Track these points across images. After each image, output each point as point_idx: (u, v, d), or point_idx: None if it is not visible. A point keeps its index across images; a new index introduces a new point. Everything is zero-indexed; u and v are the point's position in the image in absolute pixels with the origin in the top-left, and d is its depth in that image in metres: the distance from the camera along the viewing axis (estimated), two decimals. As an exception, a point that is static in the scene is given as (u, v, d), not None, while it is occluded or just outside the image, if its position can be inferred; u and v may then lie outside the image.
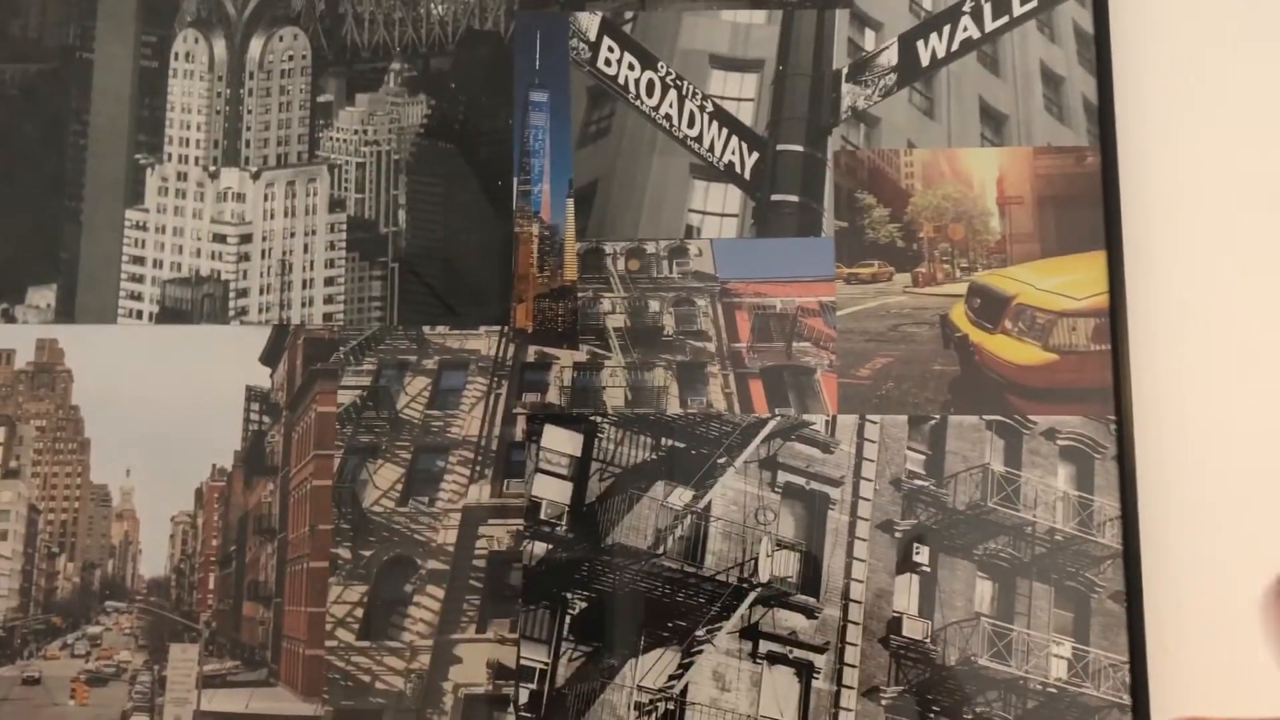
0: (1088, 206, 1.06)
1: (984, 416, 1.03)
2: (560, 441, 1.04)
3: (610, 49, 1.11)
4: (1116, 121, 1.06)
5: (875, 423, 1.03)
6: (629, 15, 1.12)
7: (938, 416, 1.03)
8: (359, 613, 1.01)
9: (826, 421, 1.03)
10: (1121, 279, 1.04)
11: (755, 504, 1.02)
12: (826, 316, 1.05)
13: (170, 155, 1.11)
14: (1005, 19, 1.10)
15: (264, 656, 1.02)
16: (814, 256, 1.07)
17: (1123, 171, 1.06)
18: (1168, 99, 1.07)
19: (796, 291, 1.06)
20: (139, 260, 1.09)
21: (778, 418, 1.03)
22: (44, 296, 1.08)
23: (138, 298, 1.08)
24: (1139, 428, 1.02)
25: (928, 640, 1.00)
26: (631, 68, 1.11)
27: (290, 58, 1.12)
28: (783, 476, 1.02)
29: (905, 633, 1.00)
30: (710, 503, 1.02)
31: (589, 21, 1.11)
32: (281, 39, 1.12)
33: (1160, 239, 1.05)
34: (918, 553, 1.01)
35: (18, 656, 1.02)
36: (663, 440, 1.03)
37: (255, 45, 1.12)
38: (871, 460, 1.02)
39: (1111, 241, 1.04)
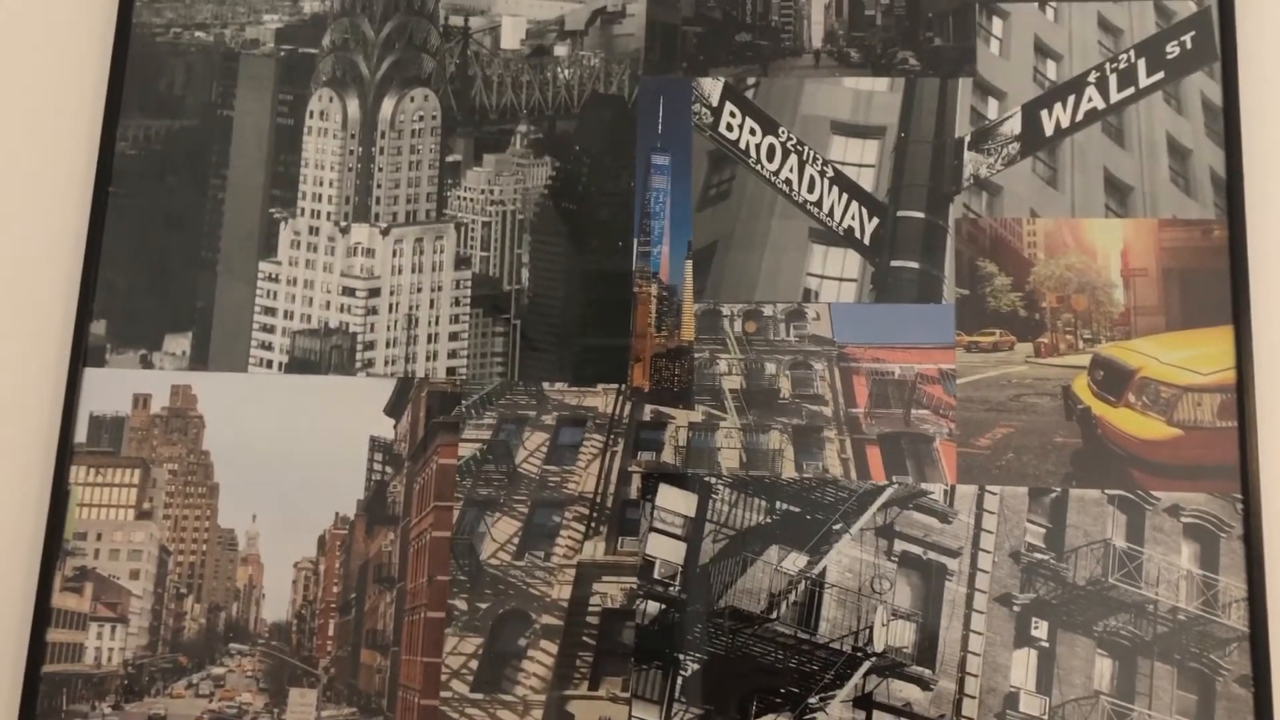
0: (1214, 280, 1.04)
1: (1106, 491, 1.02)
2: (675, 501, 1.05)
3: (732, 114, 1.13)
4: (1245, 195, 1.05)
5: (995, 494, 1.02)
6: (751, 81, 1.13)
7: (1059, 489, 1.02)
8: (474, 664, 1.03)
9: (945, 491, 1.03)
10: (1249, 355, 1.02)
11: (871, 572, 1.01)
12: (946, 384, 1.05)
13: (303, 210, 1.14)
14: (1131, 90, 1.09)
15: (380, 704, 1.04)
16: (934, 323, 1.07)
17: (1251, 246, 1.05)
18: (1300, 174, 1.06)
19: (915, 358, 1.06)
20: (270, 311, 1.12)
21: (895, 485, 1.03)
22: (180, 344, 1.12)
23: (268, 347, 1.12)
24: (1266, 507, 1.00)
25: (1045, 717, 0.99)
26: (753, 132, 1.12)
27: (421, 118, 1.16)
28: (899, 545, 1.02)
29: (1022, 708, 0.99)
30: (825, 569, 1.02)
31: (712, 87, 1.13)
32: (413, 99, 1.16)
33: (1291, 315, 1.04)
34: (1036, 627, 1.00)
35: (145, 694, 1.05)
36: (777, 504, 1.04)
37: (387, 105, 1.16)
38: (990, 532, 1.01)
39: (1239, 316, 1.03)
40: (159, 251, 1.14)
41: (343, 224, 1.14)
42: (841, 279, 1.09)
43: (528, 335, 1.10)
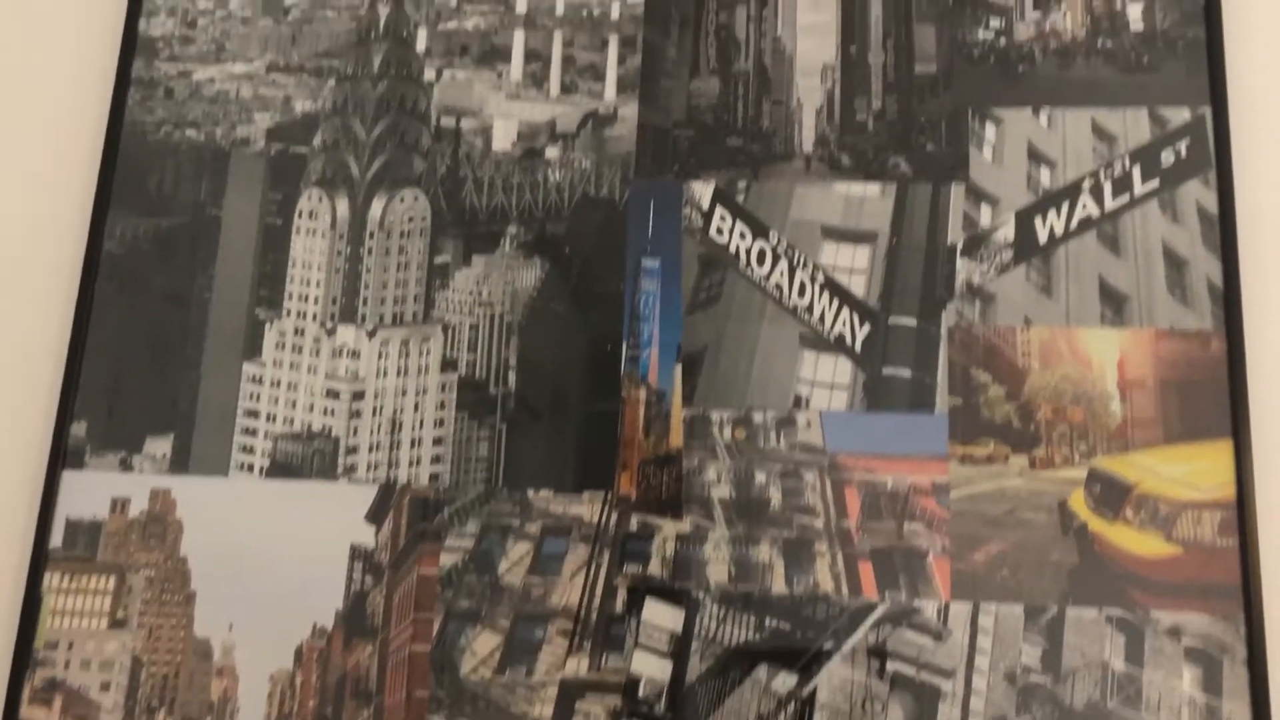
0: (1213, 393, 1.02)
1: (1104, 610, 0.99)
2: (661, 616, 1.02)
3: (723, 218, 1.12)
4: (1244, 306, 1.04)
5: (990, 612, 0.99)
6: (742, 185, 1.12)
7: (1055, 608, 0.99)
8: (452, 785, 1.00)
9: (939, 609, 1.00)
10: (1249, 470, 1.00)
11: (862, 693, 0.98)
12: (939, 497, 1.03)
13: (289, 310, 1.13)
14: (1126, 198, 1.08)
15: (354, 826, 1.01)
16: (927, 433, 1.05)
17: (1250, 358, 1.03)
18: (1298, 285, 1.04)
19: (908, 469, 1.04)
20: (253, 414, 1.11)
21: (887, 603, 1.00)
22: (160, 447, 1.10)
23: (250, 451, 1.10)
24: (1270, 629, 0.97)
25: None
26: (743, 236, 1.11)
27: (410, 218, 1.15)
28: (892, 665, 0.99)
29: (1019, 840, 0.95)
30: (815, 689, 0.98)
31: (702, 190, 1.13)
32: (403, 200, 1.15)
33: (1292, 430, 1.01)
34: (1033, 753, 0.96)
35: (112, 813, 1.02)
36: (766, 620, 1.01)
37: (377, 205, 1.15)
38: (985, 652, 0.98)
39: (1238, 430, 1.01)
40: (143, 351, 1.13)
41: (329, 325, 1.13)
42: (833, 386, 1.07)
43: (525, 402, 1.08)
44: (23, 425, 1.12)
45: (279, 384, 1.12)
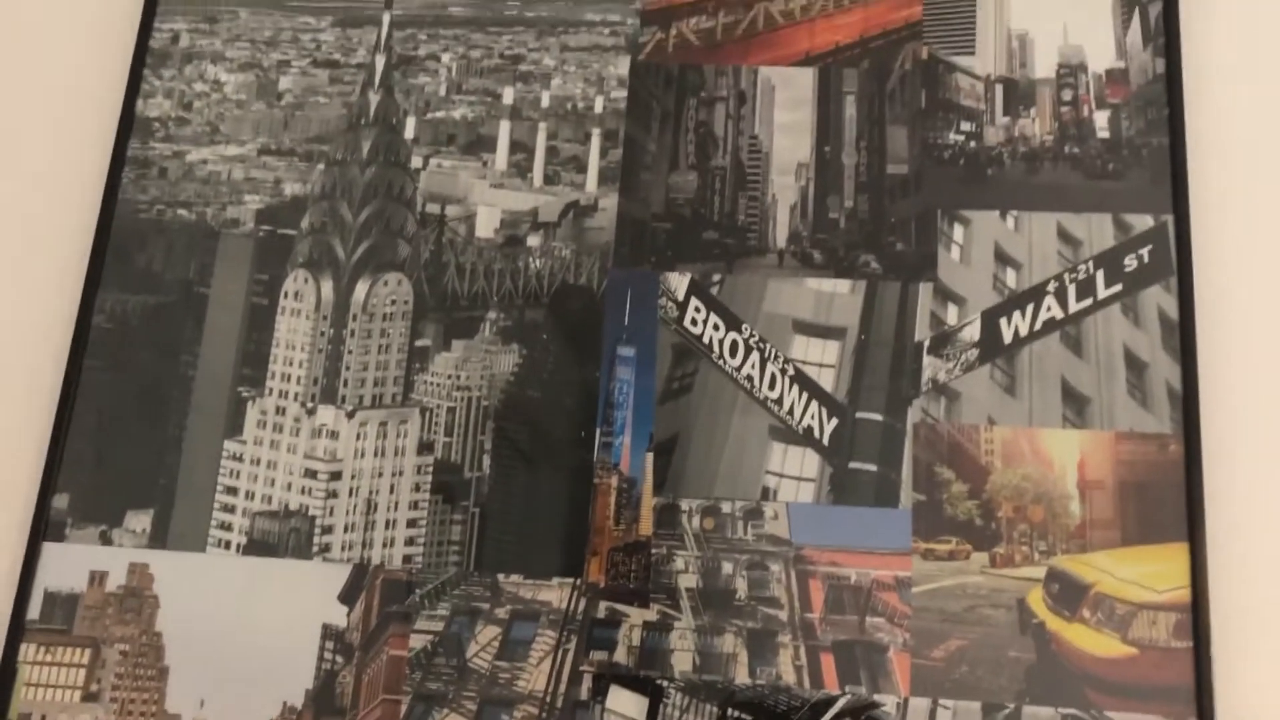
0: (1170, 496, 1.04)
1: (1060, 710, 1.00)
2: (625, 704, 1.03)
3: (697, 309, 1.15)
4: (1201, 411, 1.06)
5: (948, 708, 1.01)
6: (717, 278, 1.16)
7: (1012, 706, 1.01)
8: None
9: (898, 704, 1.01)
10: (1204, 574, 1.02)
11: (820, 787, 0.99)
12: (902, 592, 1.05)
13: (271, 389, 1.16)
14: (1089, 301, 1.11)
15: None
16: (891, 528, 1.07)
17: (1206, 462, 1.05)
18: (1253, 393, 1.07)
19: (872, 563, 1.06)
20: (232, 491, 1.13)
21: (848, 696, 1.02)
22: (140, 521, 1.12)
23: (228, 528, 1.12)
24: (1224, 731, 0.99)
25: None
26: (716, 328, 1.14)
27: (393, 302, 1.18)
28: (850, 759, 1.00)
29: None
30: (774, 782, 1.00)
31: (678, 281, 1.16)
32: (386, 284, 1.18)
33: (1245, 535, 1.03)
34: None
35: None
36: (729, 711, 1.02)
37: (361, 288, 1.18)
38: (942, 749, 1.00)
39: (1194, 534, 1.03)
40: (127, 426, 1.15)
41: (309, 405, 1.15)
42: (800, 479, 1.09)
43: (520, 446, 1.10)
44: (6, 496, 1.14)
45: (259, 462, 1.14)
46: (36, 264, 1.21)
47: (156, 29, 1.27)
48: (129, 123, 1.24)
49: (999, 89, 1.18)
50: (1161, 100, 1.15)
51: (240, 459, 1.14)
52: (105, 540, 1.12)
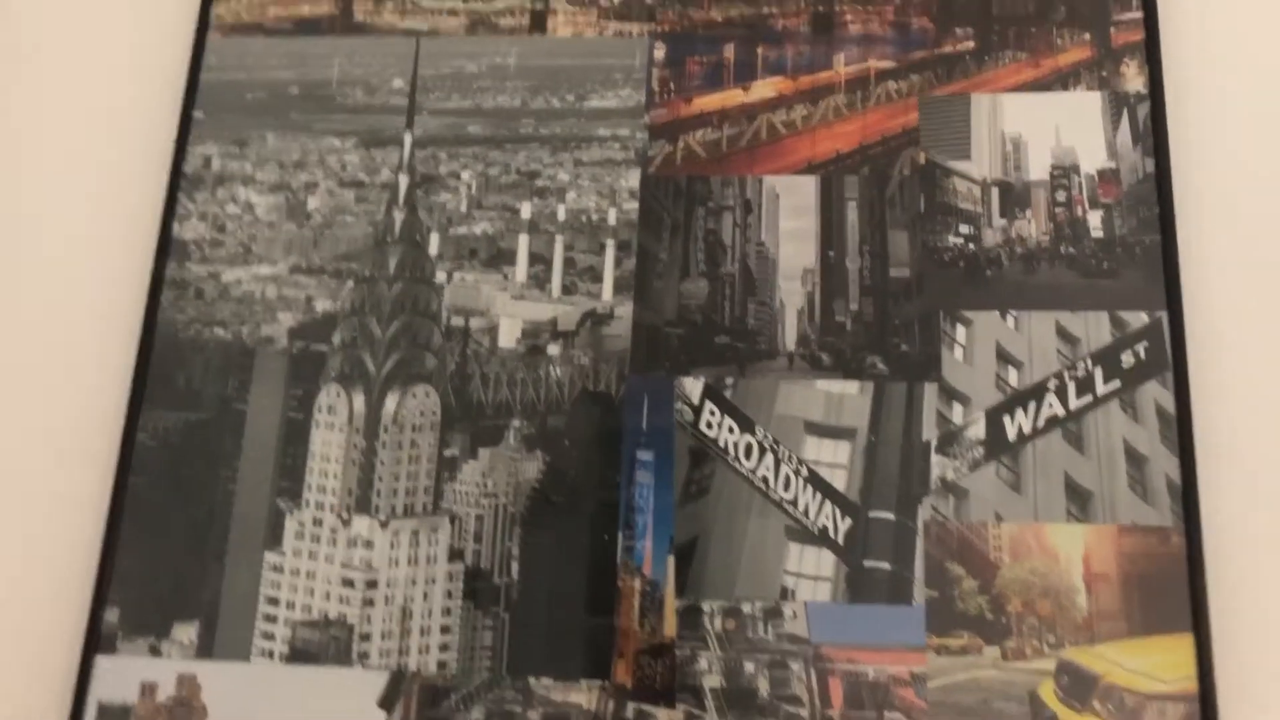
0: (1174, 587, 1.08)
1: (1074, 801, 1.04)
2: (656, 803, 1.08)
3: (712, 412, 1.20)
4: (1200, 504, 1.10)
5: (964, 803, 1.05)
6: (729, 381, 1.21)
7: (1027, 799, 1.05)
8: None
9: (916, 799, 1.06)
10: (1210, 664, 1.06)
11: None
12: (917, 688, 1.09)
13: (308, 502, 1.21)
14: (1089, 398, 1.16)
15: None
16: (905, 625, 1.11)
17: (1208, 554, 1.09)
18: (1251, 485, 1.11)
19: (888, 660, 1.10)
20: (274, 601, 1.18)
21: (868, 792, 1.06)
22: (187, 633, 1.18)
23: (271, 637, 1.17)
24: (1234, 818, 1.02)
25: None
26: (731, 431, 1.19)
27: (422, 413, 1.23)
28: None
29: None
30: None
31: (693, 386, 1.21)
32: (415, 396, 1.24)
33: (1249, 624, 1.07)
34: None
35: None
36: (755, 808, 1.07)
37: (391, 400, 1.24)
38: (961, 843, 1.04)
39: (1199, 624, 1.07)
40: (172, 540, 1.21)
41: (345, 516, 1.21)
42: (817, 578, 1.14)
43: (526, 592, 1.15)
44: (60, 609, 1.20)
45: (298, 573, 1.19)
46: (83, 384, 1.27)
47: (190, 154, 1.34)
48: (166, 245, 1.30)
49: (995, 191, 1.23)
50: (1152, 199, 1.20)
51: (280, 570, 1.19)
52: (155, 652, 1.17)
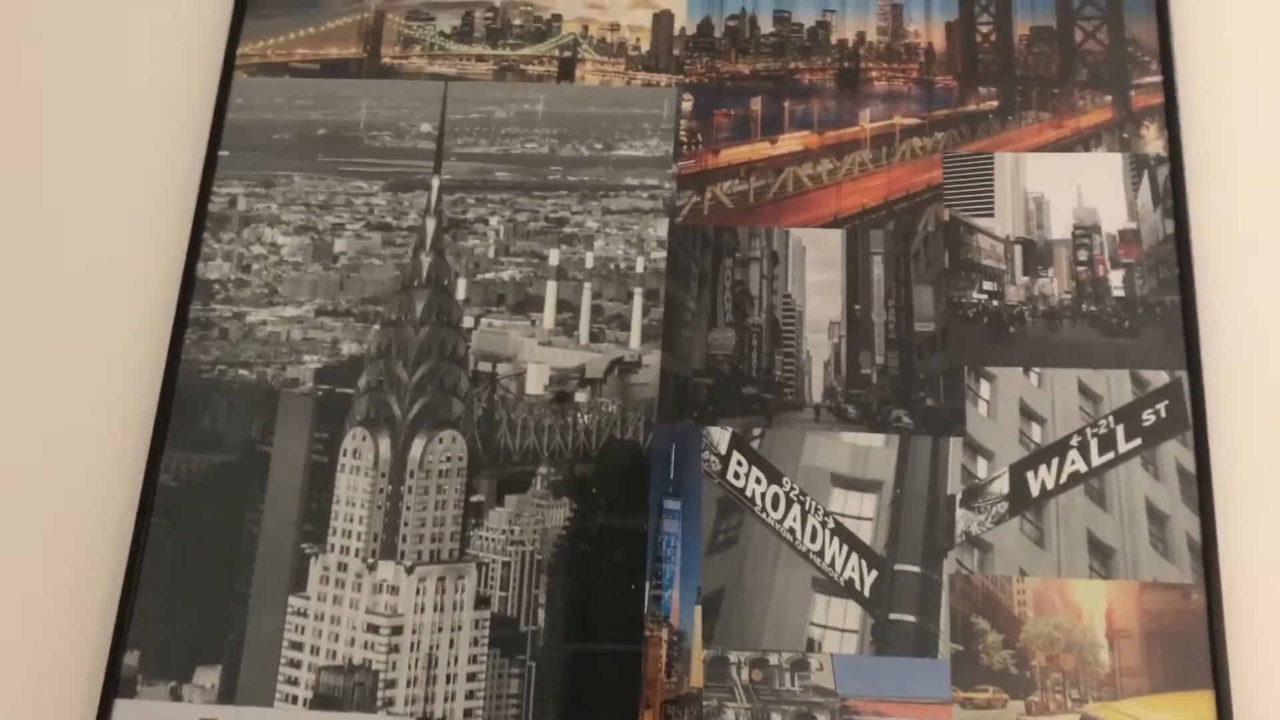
0: (1195, 644, 1.10)
1: None
2: None
3: (739, 463, 1.21)
4: (1220, 562, 1.12)
5: None
6: (757, 432, 1.22)
7: None
8: None
9: None
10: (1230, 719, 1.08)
11: None
12: (943, 742, 1.10)
13: (333, 546, 1.21)
14: (1111, 455, 1.18)
15: None
16: (930, 678, 1.12)
17: (1227, 612, 1.11)
18: (1270, 544, 1.13)
19: (914, 713, 1.11)
20: (298, 646, 1.18)
21: (896, 846, 1.07)
22: (209, 677, 1.17)
23: (294, 683, 1.16)
24: None
25: None
26: (758, 481, 1.20)
27: (448, 459, 1.23)
28: None
29: None
30: None
31: (720, 436, 1.22)
32: (441, 441, 1.24)
33: (1269, 681, 1.09)
34: None
35: None
36: None
37: (417, 445, 1.24)
38: None
39: (1219, 682, 1.09)
40: (194, 583, 1.20)
41: (370, 561, 1.21)
42: (844, 630, 1.15)
43: (554, 640, 1.15)
44: (79, 653, 1.19)
45: (322, 617, 1.19)
46: (105, 424, 1.26)
47: (215, 193, 1.34)
48: (190, 285, 1.30)
49: (1018, 249, 1.26)
50: (1172, 260, 1.22)
51: (304, 614, 1.19)
52: (175, 696, 1.16)
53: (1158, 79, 1.29)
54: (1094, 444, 1.18)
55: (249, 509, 1.23)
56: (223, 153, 1.35)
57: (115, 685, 1.16)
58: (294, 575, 1.20)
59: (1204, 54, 1.30)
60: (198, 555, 1.21)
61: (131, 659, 1.17)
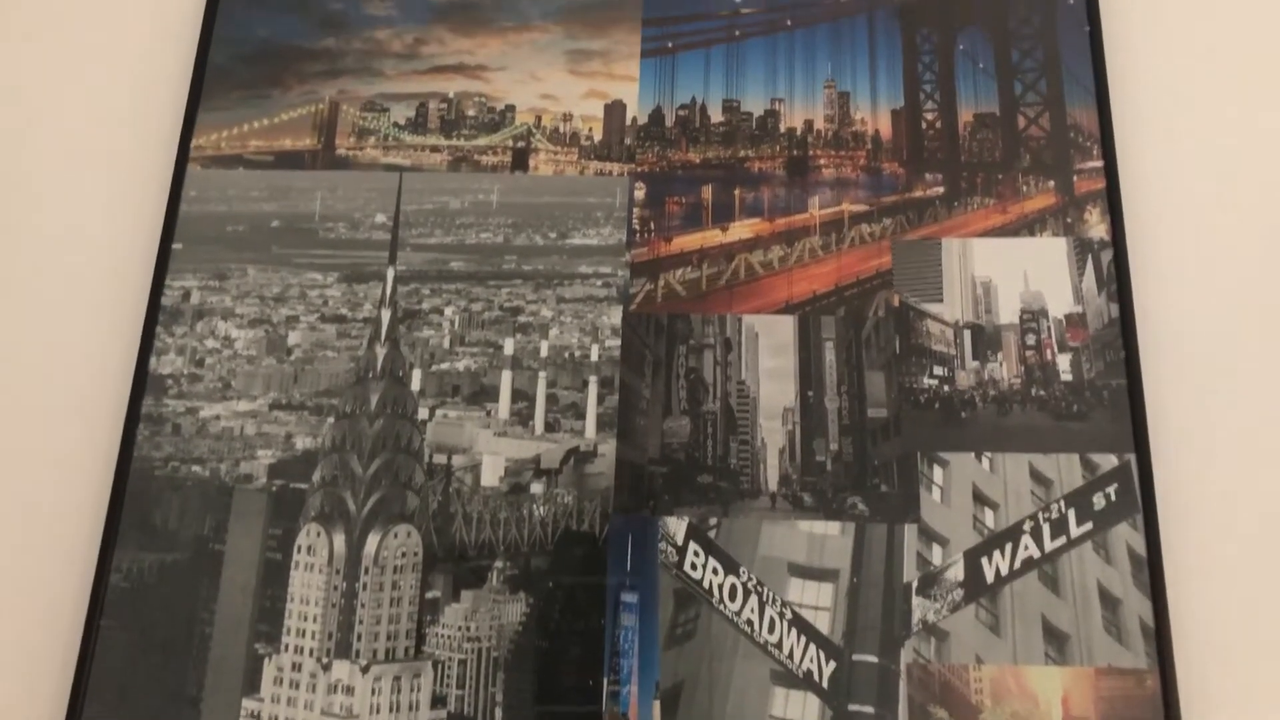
0: (1151, 730, 1.11)
1: None
2: None
3: (696, 553, 1.21)
4: (1174, 646, 1.13)
5: None
6: (713, 521, 1.22)
7: None
8: None
9: None
10: (1189, 808, 1.08)
11: None
12: (903, 836, 1.09)
13: (287, 645, 1.20)
14: (1063, 539, 1.18)
15: None
16: (889, 770, 1.12)
17: (1182, 695, 1.12)
18: (1223, 628, 1.14)
19: (873, 806, 1.11)
20: (251, 750, 1.16)
21: None
22: (160, 785, 1.15)
23: (248, 789, 1.15)
24: None
25: None
26: (715, 572, 1.20)
27: (403, 554, 1.23)
28: None
29: None
30: None
31: (677, 526, 1.22)
32: (396, 535, 1.23)
33: (1224, 768, 1.10)
34: None
35: None
36: None
37: (372, 540, 1.23)
38: None
39: (1177, 768, 1.09)
40: (145, 686, 1.18)
41: (325, 660, 1.19)
42: (802, 722, 1.15)
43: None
44: (25, 762, 1.16)
45: (276, 719, 1.17)
46: (54, 523, 1.24)
47: (168, 286, 1.33)
48: (143, 380, 1.29)
49: (967, 334, 1.27)
50: (1118, 343, 1.24)
51: (258, 717, 1.17)
52: (125, 806, 1.14)
53: (1099, 164, 1.32)
54: (1046, 529, 1.19)
55: (202, 609, 1.21)
56: (176, 245, 1.35)
57: (63, 795, 1.14)
58: (247, 677, 1.19)
59: (1145, 139, 1.33)
60: (149, 658, 1.19)
61: (80, 767, 1.15)
